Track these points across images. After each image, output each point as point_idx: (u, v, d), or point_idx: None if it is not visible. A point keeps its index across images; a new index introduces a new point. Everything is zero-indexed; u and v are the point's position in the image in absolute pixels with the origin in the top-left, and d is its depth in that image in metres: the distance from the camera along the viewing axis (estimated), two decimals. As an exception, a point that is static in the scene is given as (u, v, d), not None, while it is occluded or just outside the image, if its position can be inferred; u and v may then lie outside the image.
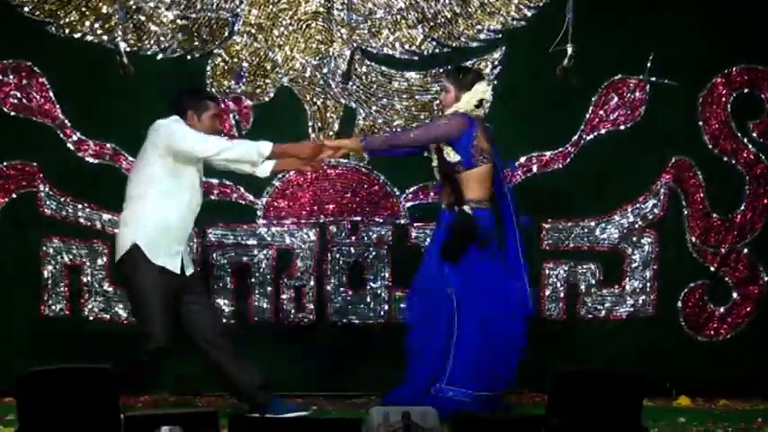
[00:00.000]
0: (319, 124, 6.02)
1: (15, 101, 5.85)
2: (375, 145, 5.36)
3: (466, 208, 5.23)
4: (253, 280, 5.98)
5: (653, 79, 6.05)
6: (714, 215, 6.16)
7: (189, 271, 5.15)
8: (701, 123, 6.12)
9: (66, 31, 5.86)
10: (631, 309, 6.14)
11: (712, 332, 6.15)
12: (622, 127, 6.11)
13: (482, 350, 5.18)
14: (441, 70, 5.96)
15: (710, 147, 6.13)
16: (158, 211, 5.03)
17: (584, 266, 6.12)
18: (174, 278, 5.05)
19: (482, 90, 5.30)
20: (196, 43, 5.92)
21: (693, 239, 6.16)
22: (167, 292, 5.02)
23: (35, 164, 5.89)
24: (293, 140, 5.88)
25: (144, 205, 5.04)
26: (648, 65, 6.01)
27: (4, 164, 5.88)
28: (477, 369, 5.17)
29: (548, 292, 6.10)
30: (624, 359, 5.96)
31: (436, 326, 5.23)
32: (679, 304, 6.14)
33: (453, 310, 5.19)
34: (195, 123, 5.10)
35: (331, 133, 6.00)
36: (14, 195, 5.89)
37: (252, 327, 5.95)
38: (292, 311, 5.98)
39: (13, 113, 5.86)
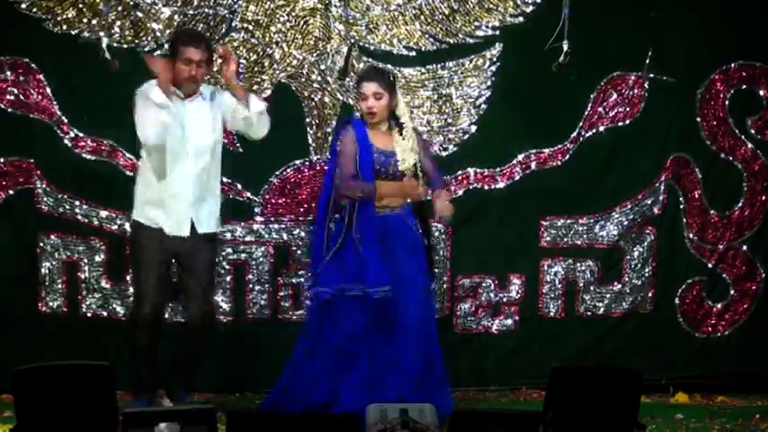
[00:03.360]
0: (317, 120, 6.02)
1: (12, 97, 5.83)
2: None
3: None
4: (250, 277, 5.98)
5: (651, 75, 6.04)
6: (712, 212, 6.17)
7: (201, 229, 5.13)
8: (699, 120, 6.13)
9: (64, 27, 5.84)
10: (630, 305, 6.14)
11: (710, 328, 6.16)
12: (621, 123, 6.11)
13: None
14: (439, 66, 5.96)
15: (709, 143, 6.14)
16: (145, 181, 5.14)
17: (583, 264, 6.12)
18: (174, 241, 5.07)
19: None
20: (191, 36, 5.90)
21: (691, 236, 6.16)
22: (164, 255, 5.07)
23: (32, 160, 5.86)
24: (293, 137, 5.92)
25: (138, 177, 5.18)
26: (647, 61, 6.02)
27: (1, 160, 5.85)
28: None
29: (546, 290, 6.10)
30: (622, 356, 5.97)
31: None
32: (677, 301, 6.15)
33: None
34: (175, 70, 5.05)
35: (329, 130, 5.99)
36: (11, 192, 5.87)
37: (249, 324, 5.94)
38: (290, 309, 5.99)
39: (10, 110, 5.83)
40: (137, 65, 5.56)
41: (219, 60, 5.30)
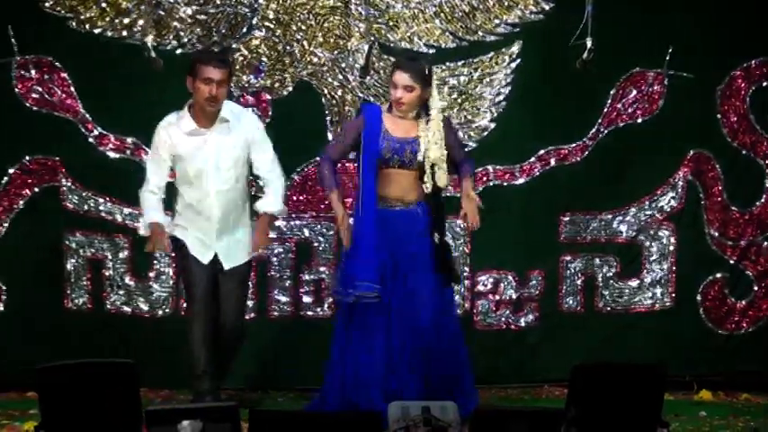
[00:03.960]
0: (337, 118, 5.98)
1: (37, 96, 5.83)
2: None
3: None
4: (272, 273, 5.94)
5: (671, 72, 5.98)
6: (733, 208, 6.10)
7: (227, 266, 5.15)
8: (719, 116, 6.06)
9: (87, 26, 5.83)
10: (650, 301, 6.09)
11: (733, 325, 6.09)
12: (640, 120, 6.06)
13: None
14: (459, 63, 5.90)
15: (729, 140, 6.07)
16: (179, 215, 5.20)
17: (602, 259, 6.06)
18: (209, 267, 5.12)
19: None
20: (215, 38, 5.88)
21: (712, 232, 6.09)
22: (205, 276, 5.11)
23: (57, 158, 5.86)
24: (312, 135, 5.87)
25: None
26: (667, 58, 5.95)
27: (27, 158, 5.85)
28: None
29: (565, 286, 6.04)
30: (644, 353, 5.90)
31: None
32: (699, 297, 6.09)
33: None
34: (195, 90, 5.05)
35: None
36: (37, 190, 5.86)
37: (272, 321, 5.91)
38: (311, 305, 5.96)
39: (35, 108, 5.83)
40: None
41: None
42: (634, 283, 6.09)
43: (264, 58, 5.91)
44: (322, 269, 5.95)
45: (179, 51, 5.85)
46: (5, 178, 5.82)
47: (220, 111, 5.10)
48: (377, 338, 4.99)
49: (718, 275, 6.09)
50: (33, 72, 5.82)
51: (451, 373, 5.04)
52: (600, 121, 6.03)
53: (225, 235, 5.14)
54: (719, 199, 6.09)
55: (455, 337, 5.12)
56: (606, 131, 6.05)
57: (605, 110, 6.03)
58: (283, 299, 5.95)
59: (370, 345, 5.00)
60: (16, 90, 5.80)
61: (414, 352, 4.98)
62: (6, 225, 5.83)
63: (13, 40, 5.74)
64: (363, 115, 5.10)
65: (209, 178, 5.10)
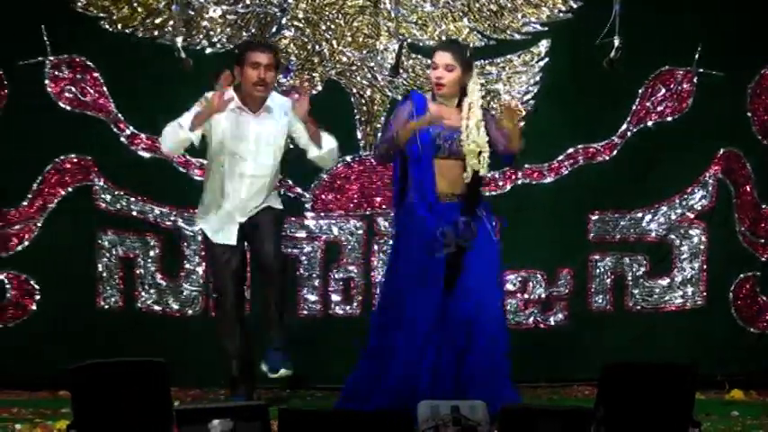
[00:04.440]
0: (366, 117, 5.96)
1: (70, 95, 5.85)
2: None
3: None
4: (301, 272, 5.92)
5: (700, 71, 5.92)
6: (764, 206, 6.02)
7: (255, 212, 5.13)
8: (749, 114, 5.99)
9: (119, 26, 5.85)
10: (681, 300, 6.03)
11: (765, 324, 6.02)
12: (669, 118, 6.00)
13: None
14: (487, 62, 5.87)
15: (760, 138, 6.00)
16: (205, 193, 5.18)
17: (632, 258, 6.01)
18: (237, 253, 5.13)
19: None
20: (245, 37, 5.87)
21: (743, 230, 6.02)
22: (230, 261, 5.10)
23: (90, 158, 5.87)
24: (341, 133, 5.83)
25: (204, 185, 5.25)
26: (696, 56, 5.89)
27: (61, 158, 5.87)
28: None
29: (594, 284, 5.99)
30: (674, 352, 5.82)
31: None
32: (730, 296, 6.02)
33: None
34: (243, 77, 5.05)
35: (378, 126, 5.93)
36: (70, 189, 5.88)
37: (300, 319, 5.89)
38: (340, 304, 5.93)
39: (68, 108, 5.85)
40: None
41: (296, 96, 5.23)
42: (664, 281, 6.03)
43: (293, 58, 5.90)
44: (351, 268, 5.93)
45: (209, 51, 5.84)
46: (39, 178, 5.84)
47: (266, 98, 5.10)
48: (414, 338, 4.85)
49: (750, 274, 6.02)
50: (66, 72, 5.83)
51: (490, 371, 4.89)
52: (629, 119, 5.98)
53: (251, 210, 5.13)
54: (750, 197, 6.02)
55: (498, 332, 4.94)
56: (635, 130, 6.00)
57: (634, 108, 5.97)
58: (312, 297, 5.94)
59: (406, 344, 4.89)
60: (49, 90, 5.82)
61: (454, 350, 4.85)
62: (40, 224, 5.85)
63: (46, 40, 5.75)
64: (411, 100, 4.90)
65: (246, 161, 5.09)
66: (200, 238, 5.76)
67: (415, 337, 4.81)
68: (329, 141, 5.16)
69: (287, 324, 5.18)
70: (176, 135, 5.03)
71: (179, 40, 5.62)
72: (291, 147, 5.29)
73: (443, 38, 5.90)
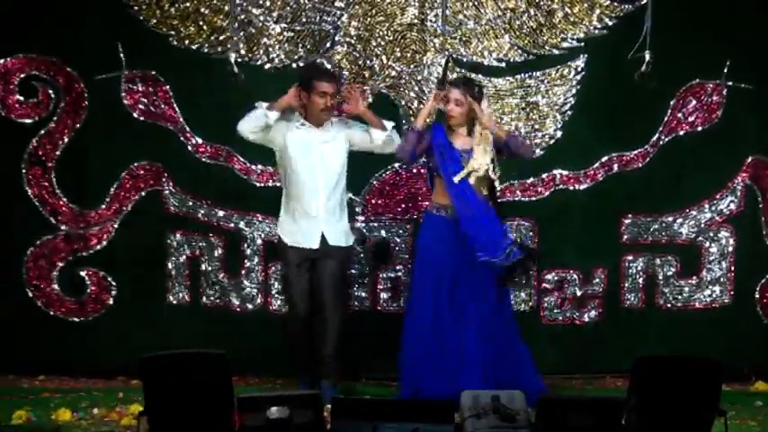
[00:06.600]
0: (414, 127, 5.98)
1: (143, 107, 5.92)
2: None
3: None
4: (353, 271, 5.95)
5: (730, 83, 5.86)
6: (789, 211, 5.97)
7: (331, 242, 5.33)
8: (777, 124, 5.94)
9: (186, 42, 5.91)
10: (709, 299, 5.98)
11: (789, 321, 5.98)
12: (700, 128, 5.95)
13: None
14: (527, 76, 5.88)
15: (787, 147, 5.95)
16: (282, 198, 5.39)
17: (663, 258, 5.96)
18: (306, 251, 5.30)
19: None
20: (301, 53, 5.92)
21: (770, 233, 5.97)
22: (300, 266, 5.29)
23: (160, 164, 5.95)
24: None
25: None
26: (725, 70, 5.84)
27: (135, 164, 5.95)
28: None
29: (627, 283, 5.96)
30: (702, 346, 5.77)
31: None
32: (756, 295, 5.96)
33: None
34: (310, 103, 5.30)
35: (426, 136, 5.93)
36: (143, 193, 5.96)
37: (351, 315, 5.88)
38: (388, 301, 5.97)
39: (141, 118, 5.92)
40: (249, 77, 5.64)
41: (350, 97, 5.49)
42: (694, 281, 5.98)
43: (345, 72, 5.93)
44: (398, 267, 5.96)
45: (267, 66, 5.90)
46: (116, 183, 5.94)
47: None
48: (453, 331, 5.12)
49: (775, 275, 5.97)
50: (140, 85, 5.90)
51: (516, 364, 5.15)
52: (661, 129, 5.94)
53: (329, 217, 5.32)
54: (777, 203, 5.96)
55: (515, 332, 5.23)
56: (667, 139, 5.95)
57: (665, 119, 5.93)
58: (363, 294, 5.98)
59: (446, 336, 5.10)
60: (125, 102, 5.91)
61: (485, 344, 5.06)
62: (116, 226, 5.94)
63: (122, 56, 5.85)
64: (431, 129, 5.32)
65: (316, 174, 5.29)
66: (259, 241, 5.87)
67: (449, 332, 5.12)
68: (389, 123, 5.44)
69: (340, 362, 5.38)
70: (255, 113, 5.27)
71: (233, 56, 5.68)
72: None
73: (485, 53, 5.93)
